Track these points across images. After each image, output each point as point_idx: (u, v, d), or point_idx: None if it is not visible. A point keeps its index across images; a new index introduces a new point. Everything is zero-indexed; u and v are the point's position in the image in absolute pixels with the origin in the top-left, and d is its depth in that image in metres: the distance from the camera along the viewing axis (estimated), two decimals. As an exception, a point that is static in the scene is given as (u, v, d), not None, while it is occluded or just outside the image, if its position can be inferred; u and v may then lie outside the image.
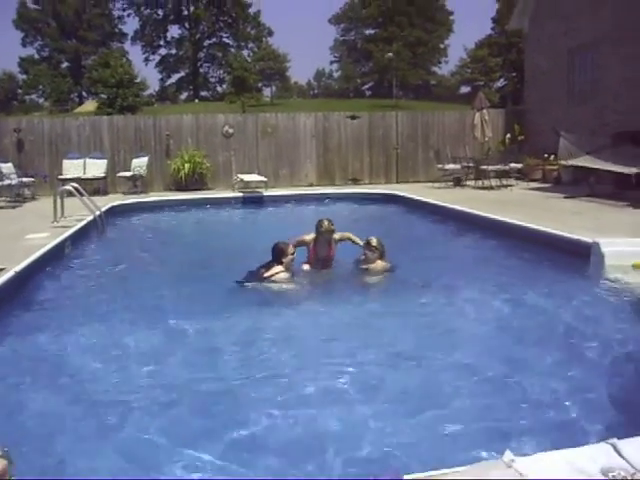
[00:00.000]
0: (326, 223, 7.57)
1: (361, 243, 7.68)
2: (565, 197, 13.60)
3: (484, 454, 3.31)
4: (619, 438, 2.71)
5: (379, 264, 7.42)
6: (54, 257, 8.67)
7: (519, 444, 3.48)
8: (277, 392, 4.40)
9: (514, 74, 58.20)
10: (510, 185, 16.42)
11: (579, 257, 7.93)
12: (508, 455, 2.54)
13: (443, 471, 2.61)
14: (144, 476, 3.46)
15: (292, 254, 7.22)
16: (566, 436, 3.65)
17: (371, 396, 4.37)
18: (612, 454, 2.62)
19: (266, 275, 7.07)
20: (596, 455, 2.63)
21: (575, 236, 8.44)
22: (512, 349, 5.30)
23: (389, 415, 4.09)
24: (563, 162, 14.84)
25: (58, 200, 11.48)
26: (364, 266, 7.51)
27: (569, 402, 4.15)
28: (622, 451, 2.59)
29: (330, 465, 3.48)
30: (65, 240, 9.48)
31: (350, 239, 7.90)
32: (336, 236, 7.73)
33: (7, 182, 15.03)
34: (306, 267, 7.71)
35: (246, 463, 3.54)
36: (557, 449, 2.72)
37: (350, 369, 4.77)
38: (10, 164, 16.11)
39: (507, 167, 16.78)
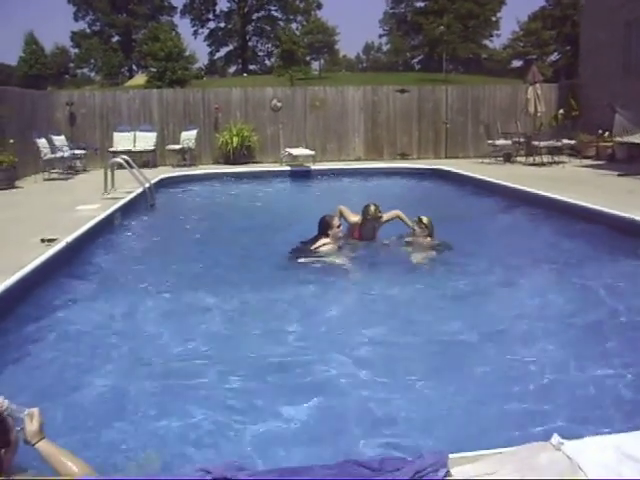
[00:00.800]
0: (372, 209, 7.46)
1: (410, 223, 7.60)
2: (619, 175, 13.24)
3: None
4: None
5: (427, 240, 7.35)
6: (104, 228, 8.81)
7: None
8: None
9: (568, 48, 56.80)
10: (562, 162, 16.05)
11: (635, 237, 7.73)
12: (556, 438, 2.49)
13: (493, 451, 2.57)
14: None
15: (338, 227, 7.23)
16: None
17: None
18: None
19: (314, 247, 7.09)
20: (648, 440, 2.56)
21: (630, 215, 8.21)
22: (570, 334, 5.19)
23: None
24: (618, 139, 14.44)
25: (108, 172, 11.65)
26: (410, 239, 7.47)
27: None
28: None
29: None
30: (115, 212, 9.63)
31: (400, 217, 7.80)
32: (383, 218, 7.64)
33: (59, 154, 15.28)
34: (352, 241, 7.69)
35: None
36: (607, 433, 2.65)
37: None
38: (62, 137, 16.36)
39: (559, 143, 16.40)
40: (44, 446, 2.61)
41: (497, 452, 2.58)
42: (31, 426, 2.60)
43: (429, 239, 7.36)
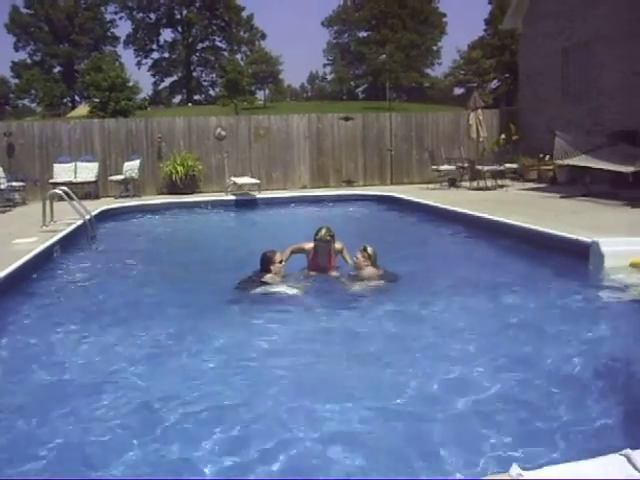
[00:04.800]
0: (323, 231, 7.27)
1: (349, 260, 7.48)
2: (561, 197, 13.46)
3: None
4: (633, 449, 2.54)
5: (369, 270, 7.19)
6: (42, 262, 8.48)
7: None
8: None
9: (507, 75, 58.24)
10: (506, 185, 16.28)
11: (578, 257, 7.79)
12: (515, 469, 2.37)
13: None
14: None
15: (280, 262, 7.02)
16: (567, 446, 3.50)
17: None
18: (626, 466, 2.45)
19: (258, 278, 6.91)
20: (608, 467, 2.46)
21: (574, 236, 8.29)
22: (509, 350, 5.13)
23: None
24: (559, 162, 14.70)
25: (47, 204, 11.29)
26: (353, 272, 7.33)
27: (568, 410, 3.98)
28: (637, 463, 2.42)
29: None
30: (53, 244, 9.29)
31: (342, 253, 7.67)
32: (337, 245, 7.49)
33: (-4, 187, 14.83)
34: (305, 272, 7.50)
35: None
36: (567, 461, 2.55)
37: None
38: (0, 168, 15.89)
39: (502, 167, 16.64)
40: None
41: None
42: None
43: (371, 269, 7.19)
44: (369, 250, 7.17)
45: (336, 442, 3.67)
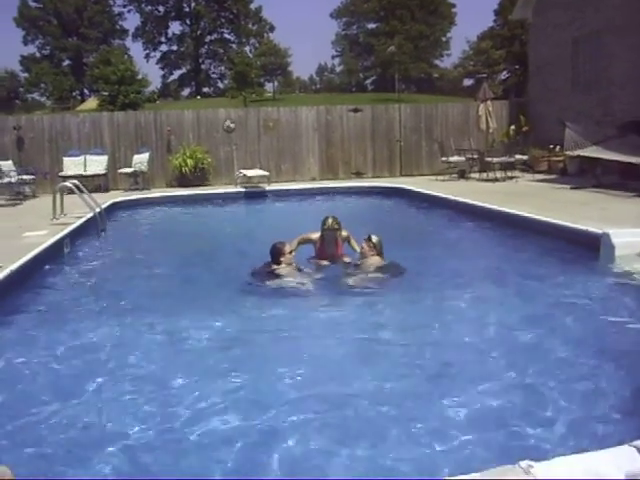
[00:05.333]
0: (330, 221, 7.39)
1: (356, 247, 7.54)
2: (571, 188, 13.40)
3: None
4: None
5: (374, 259, 7.21)
6: (52, 254, 8.51)
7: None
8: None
9: (517, 66, 57.91)
10: (515, 177, 16.21)
11: (589, 248, 7.76)
12: (525, 460, 2.37)
13: (458, 477, 2.43)
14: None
15: (290, 252, 7.08)
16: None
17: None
18: (636, 457, 2.44)
19: (271, 270, 6.97)
20: (619, 459, 2.46)
21: (584, 227, 8.26)
22: (521, 343, 5.13)
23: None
24: (569, 153, 14.63)
25: (57, 197, 11.35)
26: (358, 261, 7.36)
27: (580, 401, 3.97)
28: (647, 454, 2.42)
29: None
30: (63, 237, 9.32)
31: (349, 241, 7.72)
32: (344, 233, 7.57)
33: (7, 180, 14.88)
34: (315, 262, 7.55)
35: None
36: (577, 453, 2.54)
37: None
38: (10, 162, 15.97)
39: (512, 159, 16.57)
40: None
41: (465, 478, 2.44)
42: None
43: (377, 258, 7.21)
44: (374, 239, 7.22)
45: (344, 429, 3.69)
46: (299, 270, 7.14)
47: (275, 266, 7.00)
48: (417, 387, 4.37)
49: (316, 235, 7.57)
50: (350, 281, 6.99)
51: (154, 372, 4.73)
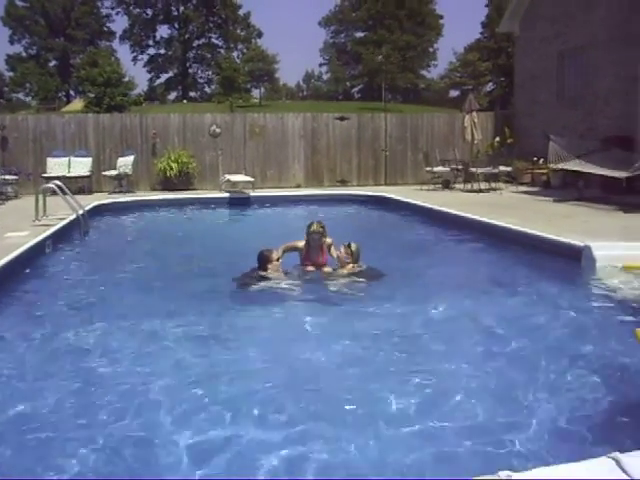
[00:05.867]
0: (315, 225, 7.45)
1: (334, 253, 7.58)
2: (555, 200, 13.51)
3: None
4: (621, 452, 2.55)
5: (349, 266, 7.28)
6: (33, 256, 8.45)
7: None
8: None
9: (503, 79, 58.37)
10: (499, 188, 16.31)
11: (571, 260, 7.82)
12: (505, 471, 2.38)
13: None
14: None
15: (277, 259, 7.11)
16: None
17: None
18: (615, 469, 2.46)
19: (257, 274, 6.99)
20: (597, 470, 2.47)
21: (567, 239, 8.33)
22: (501, 355, 5.15)
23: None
24: (553, 166, 14.75)
25: (40, 198, 11.26)
26: (335, 267, 7.42)
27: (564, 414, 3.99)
28: (626, 466, 2.43)
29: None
30: (45, 239, 9.26)
31: (330, 249, 7.74)
32: (328, 240, 7.59)
33: (-11, 180, 14.77)
34: (301, 268, 7.56)
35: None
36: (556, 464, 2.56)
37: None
38: (-7, 162, 15.86)
39: (496, 170, 16.67)
40: None
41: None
42: None
43: (351, 266, 7.28)
44: (352, 247, 7.28)
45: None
46: (285, 274, 7.18)
47: (262, 272, 7.02)
48: (391, 387, 4.38)
49: (302, 243, 7.60)
50: (331, 287, 7.04)
51: (128, 375, 4.70)
